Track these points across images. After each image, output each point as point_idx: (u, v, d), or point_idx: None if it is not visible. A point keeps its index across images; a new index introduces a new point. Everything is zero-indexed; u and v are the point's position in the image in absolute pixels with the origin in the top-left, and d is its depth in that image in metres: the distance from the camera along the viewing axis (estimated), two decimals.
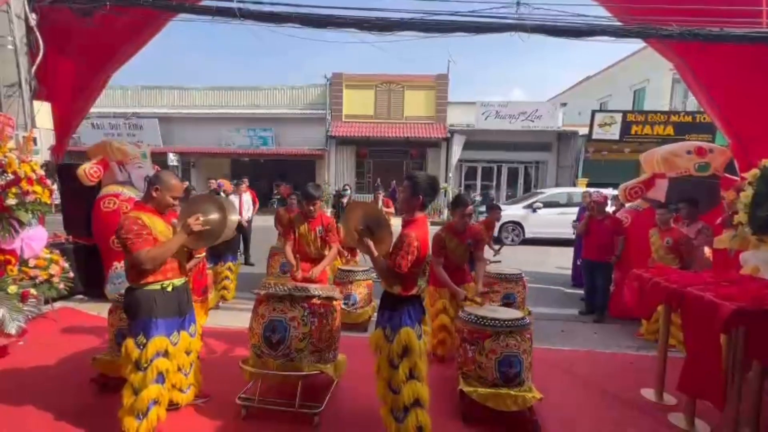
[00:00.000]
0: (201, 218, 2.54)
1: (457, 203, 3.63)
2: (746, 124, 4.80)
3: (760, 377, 2.51)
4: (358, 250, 4.62)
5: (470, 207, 3.63)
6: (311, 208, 3.52)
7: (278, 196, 16.54)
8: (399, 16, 4.49)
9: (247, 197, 7.24)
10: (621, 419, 2.96)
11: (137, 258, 2.33)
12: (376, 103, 17.88)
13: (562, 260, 7.95)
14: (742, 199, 3.43)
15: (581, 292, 5.93)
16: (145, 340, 2.40)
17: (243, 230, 6.77)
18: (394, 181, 16.84)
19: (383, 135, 16.95)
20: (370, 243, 2.39)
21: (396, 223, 2.56)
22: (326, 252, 3.59)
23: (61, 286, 4.00)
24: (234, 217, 2.80)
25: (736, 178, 4.60)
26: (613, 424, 2.90)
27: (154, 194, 2.49)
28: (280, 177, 19.28)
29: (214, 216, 2.69)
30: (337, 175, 17.76)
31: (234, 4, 4.35)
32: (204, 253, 3.87)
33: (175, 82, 20.74)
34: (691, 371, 2.71)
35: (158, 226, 2.46)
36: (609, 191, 6.71)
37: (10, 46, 4.25)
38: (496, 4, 4.42)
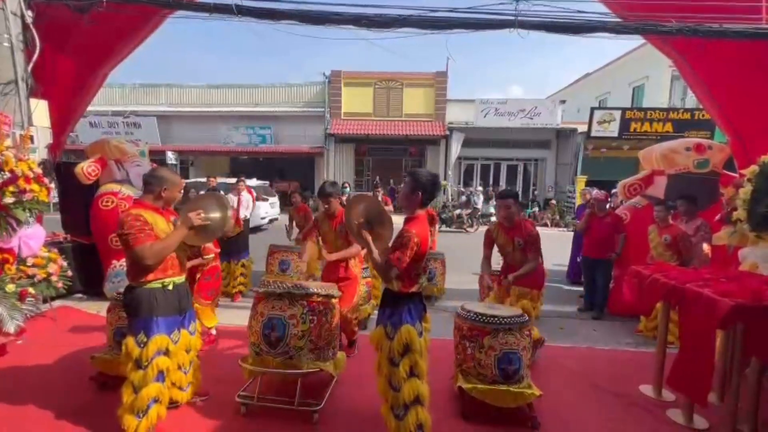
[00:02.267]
0: (202, 213, 2.57)
1: (500, 195, 3.68)
2: (747, 122, 4.80)
3: (758, 374, 2.52)
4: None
5: (510, 200, 3.49)
6: (326, 206, 3.54)
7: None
8: (397, 12, 4.46)
9: (247, 196, 7.22)
10: (620, 415, 2.97)
11: (140, 253, 2.31)
12: (375, 100, 17.84)
13: (559, 257, 7.94)
14: (740, 196, 3.43)
15: (579, 289, 5.93)
16: (145, 339, 2.40)
17: (242, 229, 6.75)
18: (392, 180, 16.84)
19: (382, 133, 16.93)
20: (369, 237, 2.40)
21: (396, 220, 2.56)
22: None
23: (60, 284, 3.99)
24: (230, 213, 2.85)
25: (734, 174, 4.60)
26: (611, 420, 2.91)
27: (163, 194, 2.51)
28: (279, 175, 19.28)
29: (215, 212, 2.74)
30: (336, 172, 17.73)
31: (232, 1, 4.31)
32: (213, 255, 3.87)
33: (173, 79, 20.71)
34: (681, 367, 2.73)
35: (160, 224, 2.46)
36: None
37: (6, 44, 4.22)
38: (494, 0, 4.40)
